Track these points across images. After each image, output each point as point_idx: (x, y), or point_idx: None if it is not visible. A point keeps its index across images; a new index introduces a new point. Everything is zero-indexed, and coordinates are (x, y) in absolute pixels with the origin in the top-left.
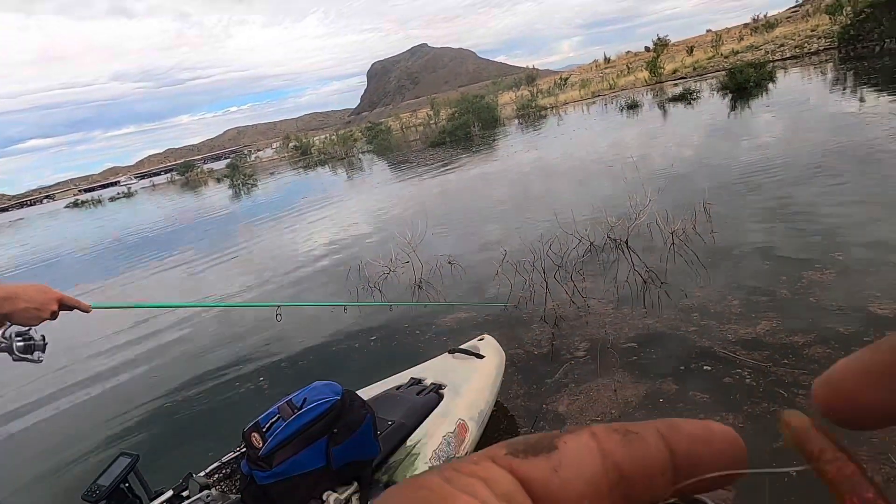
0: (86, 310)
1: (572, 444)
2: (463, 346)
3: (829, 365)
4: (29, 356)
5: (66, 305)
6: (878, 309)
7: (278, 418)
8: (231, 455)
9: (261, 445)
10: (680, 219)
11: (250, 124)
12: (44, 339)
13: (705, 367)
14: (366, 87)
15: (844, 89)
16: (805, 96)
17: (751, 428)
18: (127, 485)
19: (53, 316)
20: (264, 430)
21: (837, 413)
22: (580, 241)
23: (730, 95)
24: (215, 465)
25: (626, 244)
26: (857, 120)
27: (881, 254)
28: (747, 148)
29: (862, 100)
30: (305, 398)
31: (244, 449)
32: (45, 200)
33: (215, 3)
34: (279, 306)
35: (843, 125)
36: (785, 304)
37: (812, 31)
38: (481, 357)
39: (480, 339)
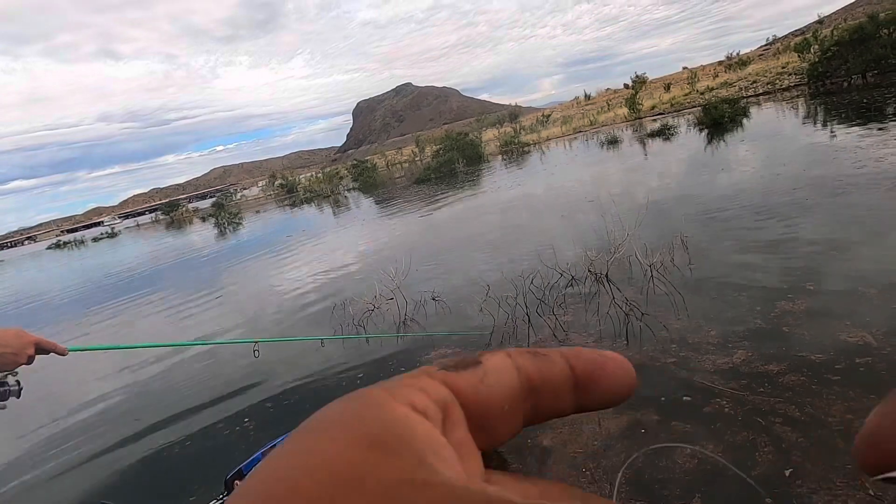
0: (62, 353)
1: (493, 360)
2: None
3: (802, 392)
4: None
5: (42, 349)
6: (847, 337)
7: None
8: (217, 502)
9: None
10: (658, 252)
11: (236, 163)
12: (19, 384)
13: (685, 398)
14: (351, 125)
15: (815, 123)
16: (777, 131)
17: (732, 456)
18: None
19: (30, 360)
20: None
21: (884, 470)
22: (561, 275)
23: (706, 131)
24: None
25: (607, 278)
26: (826, 154)
27: (850, 284)
28: (722, 182)
29: (831, 134)
30: None
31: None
32: (26, 242)
33: (202, 45)
34: (256, 342)
35: (814, 159)
36: (759, 333)
37: (783, 67)
38: None
39: None
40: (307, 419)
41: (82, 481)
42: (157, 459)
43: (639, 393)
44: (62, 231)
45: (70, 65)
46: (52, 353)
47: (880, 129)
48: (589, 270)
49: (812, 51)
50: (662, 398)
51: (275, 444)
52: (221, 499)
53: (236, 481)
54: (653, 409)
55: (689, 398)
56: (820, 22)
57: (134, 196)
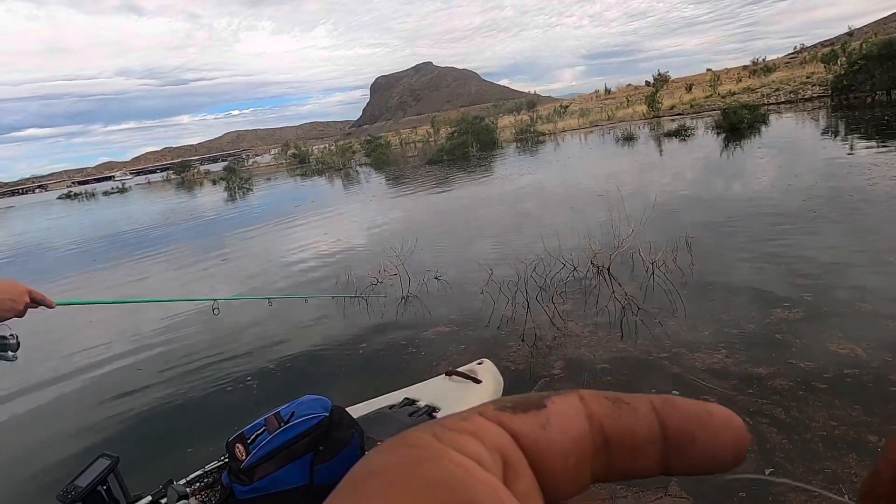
0: (50, 306)
1: (560, 403)
2: (460, 369)
3: (789, 397)
4: (3, 354)
5: (34, 300)
6: (837, 348)
7: (264, 430)
8: (215, 464)
9: (244, 458)
10: (661, 250)
11: (250, 129)
12: (16, 337)
13: (674, 392)
14: (368, 100)
15: (834, 137)
16: (794, 141)
17: None
18: (105, 487)
19: (24, 310)
20: (249, 441)
21: None
22: (564, 265)
23: (723, 135)
24: (197, 473)
25: (608, 271)
26: (841, 168)
27: (846, 297)
28: (733, 188)
29: (848, 148)
30: (293, 412)
31: (228, 459)
32: (37, 190)
33: (226, 7)
34: (215, 300)
35: (828, 172)
36: (752, 337)
37: (807, 77)
38: (478, 382)
39: (479, 363)
40: (354, 471)
41: (84, 432)
42: (164, 415)
43: (630, 384)
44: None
45: (93, 16)
46: (40, 307)
47: None
48: (591, 263)
49: (839, 63)
50: (653, 390)
51: (278, 411)
52: (223, 460)
53: (237, 445)
54: None
55: (677, 392)
56: (850, 34)
57: (146, 153)
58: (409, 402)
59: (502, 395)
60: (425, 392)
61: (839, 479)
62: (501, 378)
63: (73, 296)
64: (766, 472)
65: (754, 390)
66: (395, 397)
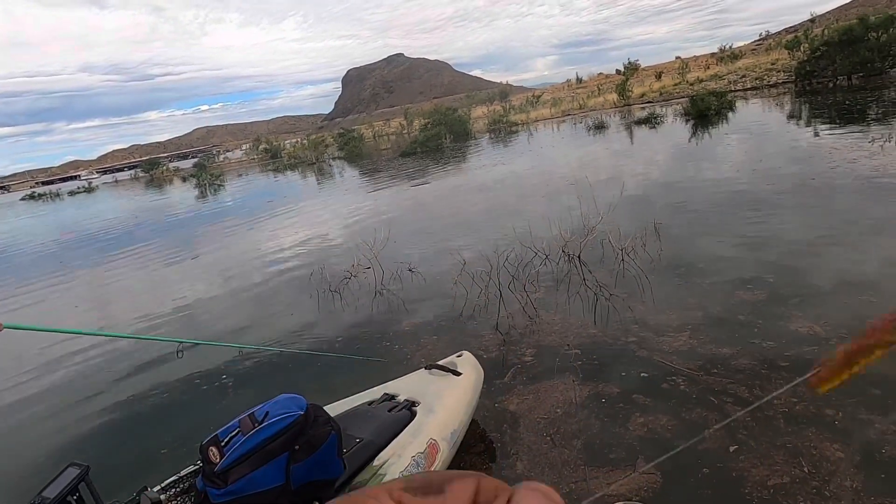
0: None
1: (458, 490)
2: (440, 362)
3: (752, 375)
4: None
5: None
6: (797, 327)
7: (238, 432)
8: (190, 469)
9: (218, 460)
10: (631, 237)
11: (220, 124)
12: None
13: (643, 374)
14: (340, 93)
15: (797, 122)
16: (760, 127)
17: (682, 429)
18: (77, 496)
19: None
20: (223, 444)
21: None
22: (535, 254)
23: (691, 122)
24: (172, 479)
25: (579, 258)
26: (804, 152)
27: (806, 278)
28: (701, 173)
29: (810, 133)
30: (268, 412)
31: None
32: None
33: None
34: (181, 342)
35: (791, 157)
36: (717, 319)
37: (772, 64)
38: (458, 374)
39: (459, 356)
40: None
41: (51, 441)
42: (135, 420)
43: (601, 368)
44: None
45: (53, 9)
46: None
47: (857, 131)
48: (563, 251)
49: (802, 49)
50: (623, 373)
51: (253, 412)
52: (197, 465)
53: (211, 448)
54: (614, 383)
55: (645, 374)
56: (812, 20)
57: (113, 151)
58: (389, 397)
59: (482, 386)
60: (405, 387)
61: (800, 452)
62: (482, 369)
63: (31, 308)
64: (731, 449)
65: (718, 370)
66: (375, 393)
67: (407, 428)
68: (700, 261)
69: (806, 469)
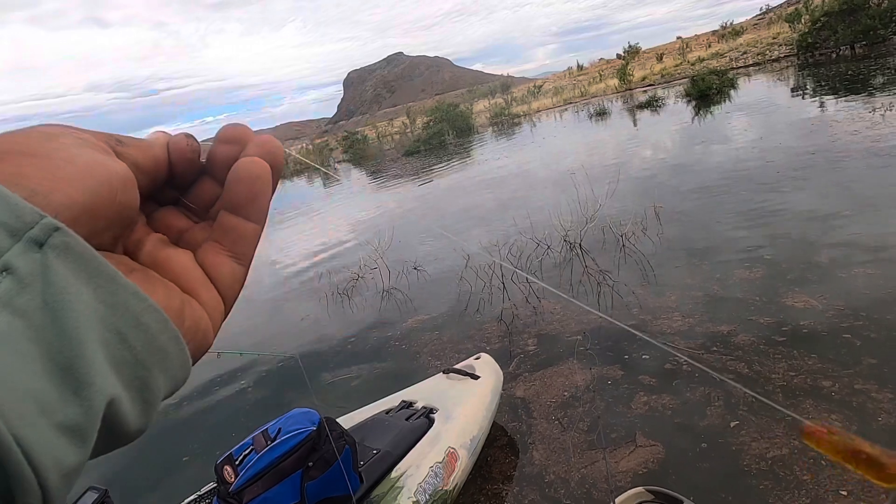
0: None
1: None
2: (457, 366)
3: (751, 351)
4: None
5: None
6: (794, 303)
7: (252, 450)
8: (208, 487)
9: (233, 480)
10: (631, 221)
11: None
12: None
13: (644, 357)
14: (342, 96)
15: (799, 96)
16: (762, 103)
17: (685, 409)
18: None
19: None
20: (237, 462)
21: None
22: (538, 244)
23: (693, 102)
24: (189, 500)
25: (580, 246)
26: (805, 127)
27: (803, 254)
28: (701, 154)
29: (813, 107)
30: (280, 428)
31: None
32: None
33: (192, 12)
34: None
35: (793, 132)
36: (716, 298)
37: (774, 38)
38: (476, 378)
39: (477, 358)
40: None
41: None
42: (152, 441)
43: (605, 351)
44: None
45: (56, 32)
46: None
47: (859, 102)
48: (564, 240)
49: (803, 21)
50: (626, 357)
51: (266, 428)
52: (213, 485)
53: (226, 467)
54: (618, 366)
55: (647, 356)
56: None
57: None
58: (407, 404)
59: (502, 389)
60: (423, 393)
61: (797, 424)
62: (501, 371)
63: None
64: (732, 424)
65: (718, 348)
66: (392, 401)
67: (425, 437)
68: (698, 242)
69: (805, 442)
